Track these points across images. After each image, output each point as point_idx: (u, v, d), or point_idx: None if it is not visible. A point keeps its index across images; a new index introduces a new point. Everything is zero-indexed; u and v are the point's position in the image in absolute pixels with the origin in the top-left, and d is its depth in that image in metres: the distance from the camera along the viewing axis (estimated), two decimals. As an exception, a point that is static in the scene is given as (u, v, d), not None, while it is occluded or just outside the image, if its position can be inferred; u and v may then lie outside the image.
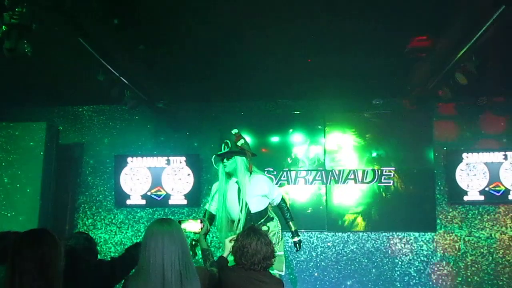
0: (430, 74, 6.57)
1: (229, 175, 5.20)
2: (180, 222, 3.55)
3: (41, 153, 7.36)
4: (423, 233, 7.60)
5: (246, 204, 5.05)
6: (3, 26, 3.75)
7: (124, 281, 2.86)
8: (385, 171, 7.69)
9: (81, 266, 3.13)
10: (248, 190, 5.08)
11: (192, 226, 3.54)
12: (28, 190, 7.31)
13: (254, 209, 5.12)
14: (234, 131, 5.34)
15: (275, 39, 5.78)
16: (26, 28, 3.82)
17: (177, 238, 2.76)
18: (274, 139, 7.89)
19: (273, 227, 5.28)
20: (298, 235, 5.42)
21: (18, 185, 7.32)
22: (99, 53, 5.38)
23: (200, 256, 3.74)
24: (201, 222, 3.52)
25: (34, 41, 4.22)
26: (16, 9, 3.68)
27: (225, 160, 5.14)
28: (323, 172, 7.77)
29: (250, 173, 5.20)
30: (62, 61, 6.10)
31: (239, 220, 5.04)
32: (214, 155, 5.33)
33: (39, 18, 3.93)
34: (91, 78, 6.21)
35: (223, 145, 5.19)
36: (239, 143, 5.19)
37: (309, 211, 7.72)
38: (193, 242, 4.50)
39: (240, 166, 5.12)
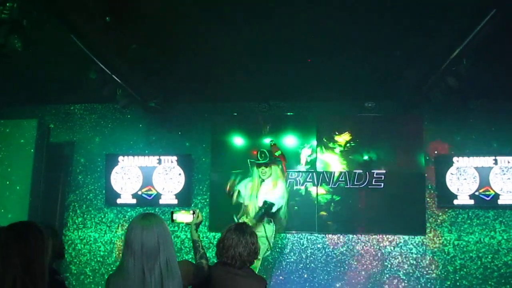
0: (422, 78, 6.60)
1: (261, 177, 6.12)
2: (172, 213, 3.55)
3: (32, 150, 7.32)
4: (413, 236, 7.61)
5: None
6: (-7, 22, 3.73)
7: (107, 278, 2.83)
8: (376, 174, 7.71)
9: None
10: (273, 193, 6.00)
11: (183, 217, 3.54)
12: (18, 187, 7.27)
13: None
14: (271, 142, 6.50)
15: (269, 41, 5.78)
16: (16, 24, 3.80)
17: (156, 232, 2.73)
18: (266, 140, 7.90)
19: (269, 231, 6.01)
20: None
21: (7, 183, 7.28)
22: (91, 51, 5.37)
23: None
24: (193, 213, 3.51)
25: (25, 38, 4.22)
26: (7, 4, 3.67)
27: (263, 168, 6.05)
28: (314, 174, 7.78)
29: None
30: (54, 59, 6.09)
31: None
32: (250, 160, 6.39)
33: (30, 14, 3.91)
34: (83, 76, 6.21)
35: (259, 153, 6.08)
36: (277, 154, 6.20)
37: (299, 212, 7.71)
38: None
39: (274, 173, 6.10)
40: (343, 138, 7.83)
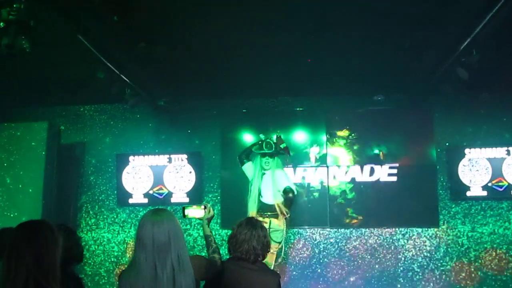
0: (431, 70, 6.56)
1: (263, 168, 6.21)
2: (183, 209, 3.55)
3: (43, 153, 7.35)
4: (426, 229, 7.57)
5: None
6: (1, 23, 3.74)
7: (120, 274, 2.84)
8: (388, 168, 7.67)
9: None
10: (276, 184, 6.09)
11: (195, 212, 3.53)
12: (30, 190, 7.30)
13: (274, 201, 6.05)
14: (278, 134, 6.59)
15: (275, 37, 5.76)
16: (24, 25, 3.82)
17: (167, 227, 2.73)
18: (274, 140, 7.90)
19: (277, 225, 5.98)
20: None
21: (20, 186, 7.32)
22: (99, 51, 5.38)
23: None
24: (205, 208, 3.50)
25: (33, 40, 4.23)
26: (14, 5, 3.69)
27: (268, 158, 6.15)
28: (325, 168, 7.75)
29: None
30: (62, 60, 6.11)
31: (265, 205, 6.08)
32: (254, 149, 6.38)
33: (37, 14, 3.93)
34: (91, 77, 6.22)
35: (265, 143, 6.18)
36: (282, 146, 6.27)
37: (311, 207, 7.70)
38: None
39: (277, 164, 6.22)
40: (354, 132, 7.80)
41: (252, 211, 6.06)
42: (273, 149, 6.13)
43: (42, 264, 2.28)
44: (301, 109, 7.97)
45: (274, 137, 6.50)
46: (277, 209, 6.05)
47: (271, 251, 5.63)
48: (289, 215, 6.01)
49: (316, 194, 7.74)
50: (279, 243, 6.00)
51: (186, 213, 3.52)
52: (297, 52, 6.20)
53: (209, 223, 3.52)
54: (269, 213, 6.02)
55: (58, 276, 2.34)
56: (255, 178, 6.18)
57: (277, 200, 6.03)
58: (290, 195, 5.89)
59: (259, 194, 6.05)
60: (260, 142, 6.34)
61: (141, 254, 2.67)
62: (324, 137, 7.82)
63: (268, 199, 6.13)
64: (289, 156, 6.55)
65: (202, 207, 3.52)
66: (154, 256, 2.65)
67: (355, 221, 7.64)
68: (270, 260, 5.71)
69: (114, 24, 5.01)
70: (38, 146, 7.40)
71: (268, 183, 6.08)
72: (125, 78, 6.32)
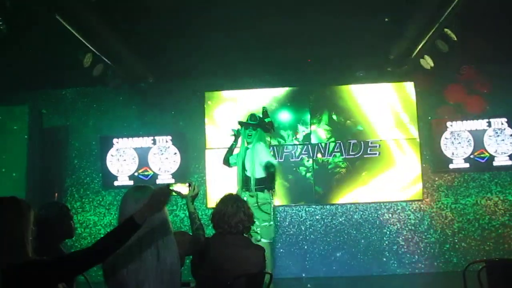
0: (412, 43, 6.58)
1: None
2: (168, 186, 3.54)
3: (25, 136, 7.29)
4: (410, 202, 7.66)
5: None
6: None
7: None
8: (371, 143, 7.73)
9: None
10: (257, 158, 5.94)
11: (180, 189, 3.53)
12: (14, 174, 7.26)
13: (257, 175, 5.91)
14: (264, 108, 6.32)
15: (259, 14, 5.73)
16: (-1, 5, 3.75)
17: None
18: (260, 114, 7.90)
19: (265, 198, 5.87)
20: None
21: (3, 170, 7.27)
22: (78, 31, 5.31)
23: None
24: (189, 185, 3.50)
25: (10, 21, 4.17)
26: (-12, -15, 3.62)
27: (251, 130, 6.03)
28: (309, 146, 7.79)
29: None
30: (41, 42, 6.02)
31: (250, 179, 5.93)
32: (239, 121, 6.22)
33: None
34: (72, 59, 6.15)
35: (250, 115, 6.08)
36: (267, 120, 6.15)
37: (296, 185, 7.74)
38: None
39: (260, 137, 6.04)
40: (337, 108, 7.83)
41: (238, 186, 6.04)
42: (257, 121, 6.06)
43: (6, 240, 2.27)
44: (284, 87, 7.96)
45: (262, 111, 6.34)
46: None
47: (269, 223, 5.77)
48: (273, 190, 5.94)
49: (301, 172, 7.78)
50: (269, 214, 5.97)
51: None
52: (279, 27, 6.17)
53: (193, 201, 3.53)
54: (256, 187, 5.92)
55: (27, 252, 2.33)
56: (240, 152, 6.13)
57: (258, 174, 5.93)
58: (272, 170, 5.86)
59: (243, 168, 6.03)
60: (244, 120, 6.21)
61: None
62: (308, 114, 7.84)
63: (250, 172, 6.07)
64: (273, 131, 6.42)
65: (187, 184, 3.53)
66: (138, 233, 2.65)
67: (340, 197, 7.70)
68: (267, 232, 5.76)
69: (91, 3, 4.97)
70: (20, 130, 7.35)
71: (250, 157, 6.03)
72: (105, 59, 6.26)
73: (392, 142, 7.73)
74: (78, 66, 6.38)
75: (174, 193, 3.55)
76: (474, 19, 5.80)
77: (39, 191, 7.45)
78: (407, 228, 7.64)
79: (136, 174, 7.85)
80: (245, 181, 6.00)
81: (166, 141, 7.88)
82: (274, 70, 7.83)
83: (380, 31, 6.33)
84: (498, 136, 7.56)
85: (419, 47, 6.57)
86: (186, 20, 5.83)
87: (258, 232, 5.60)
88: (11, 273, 2.17)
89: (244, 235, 3.65)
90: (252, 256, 3.57)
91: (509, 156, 7.53)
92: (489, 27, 6.13)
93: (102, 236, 2.45)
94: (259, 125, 6.08)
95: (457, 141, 7.59)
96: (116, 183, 7.86)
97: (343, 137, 7.79)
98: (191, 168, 7.94)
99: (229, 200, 3.64)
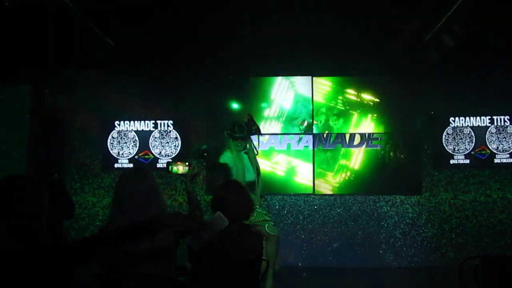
0: (417, 37, 6.55)
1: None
2: (168, 164, 3.54)
3: (27, 116, 7.29)
4: (409, 196, 7.67)
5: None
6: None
7: (99, 230, 2.83)
8: (372, 135, 7.72)
9: None
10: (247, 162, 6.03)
11: (180, 168, 3.52)
12: (14, 153, 7.26)
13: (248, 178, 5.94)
14: (248, 116, 6.30)
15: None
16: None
17: (146, 186, 2.75)
18: (262, 103, 7.88)
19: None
20: None
21: (4, 148, 7.28)
22: (82, 12, 5.28)
23: None
24: (189, 164, 3.50)
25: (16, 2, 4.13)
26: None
27: (240, 141, 5.99)
28: (310, 136, 7.78)
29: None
30: (47, 23, 5.98)
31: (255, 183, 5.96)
32: (226, 131, 6.08)
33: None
34: (77, 40, 6.12)
35: (237, 127, 5.99)
36: (254, 128, 6.15)
37: (296, 174, 7.75)
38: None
39: (250, 145, 6.12)
40: (339, 100, 7.81)
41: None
42: (245, 132, 6.02)
43: (11, 217, 2.19)
44: (287, 77, 7.93)
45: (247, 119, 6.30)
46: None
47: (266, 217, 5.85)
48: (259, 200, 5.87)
49: (301, 162, 7.77)
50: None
51: (170, 169, 3.51)
52: (283, 15, 6.14)
53: (192, 180, 3.53)
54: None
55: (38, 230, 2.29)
56: (229, 157, 6.04)
57: (245, 178, 5.88)
58: (259, 176, 5.99)
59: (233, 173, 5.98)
60: (229, 128, 6.11)
61: (118, 213, 2.68)
62: (310, 104, 7.83)
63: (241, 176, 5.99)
64: (261, 135, 6.50)
65: (187, 163, 3.52)
66: (133, 215, 2.65)
67: (339, 188, 7.70)
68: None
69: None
70: (22, 109, 7.35)
71: (240, 161, 6.02)
72: (111, 42, 6.23)
73: (394, 135, 7.72)
74: (82, 47, 6.35)
75: (173, 172, 3.57)
76: (481, 13, 5.75)
77: (39, 171, 7.47)
78: (404, 222, 7.65)
79: (136, 157, 7.84)
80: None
81: (168, 126, 7.87)
82: (277, 58, 7.78)
83: (385, 23, 6.30)
84: (500, 133, 7.56)
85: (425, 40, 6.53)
86: (193, 2, 5.79)
87: (268, 219, 5.83)
88: (29, 259, 2.10)
89: (244, 222, 3.66)
90: (250, 243, 3.57)
91: (510, 154, 7.53)
92: (494, 25, 6.08)
93: (100, 218, 2.45)
94: (247, 136, 6.08)
95: (459, 137, 7.59)
96: (116, 166, 7.85)
97: (345, 128, 7.78)
98: (191, 153, 7.93)
99: (230, 187, 3.65)
